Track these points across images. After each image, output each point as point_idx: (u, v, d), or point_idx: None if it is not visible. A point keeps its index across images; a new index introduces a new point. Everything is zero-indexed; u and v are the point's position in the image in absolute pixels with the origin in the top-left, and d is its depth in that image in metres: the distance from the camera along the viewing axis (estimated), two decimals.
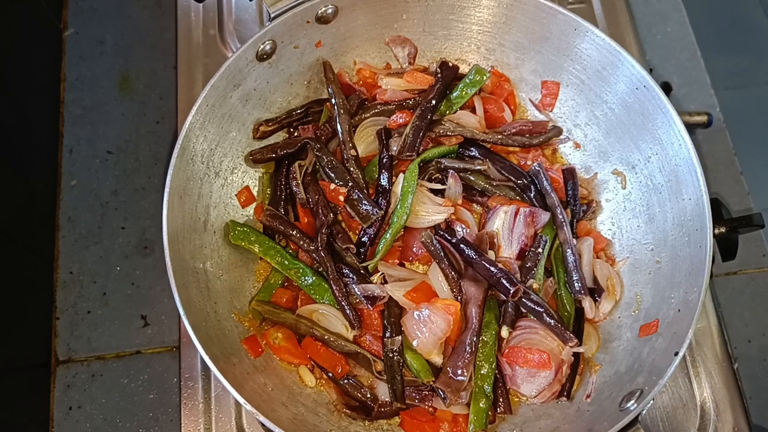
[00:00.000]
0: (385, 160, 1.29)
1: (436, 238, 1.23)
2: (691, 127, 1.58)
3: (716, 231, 1.28)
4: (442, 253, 1.22)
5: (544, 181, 1.30)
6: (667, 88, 1.63)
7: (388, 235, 1.23)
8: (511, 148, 1.38)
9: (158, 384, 1.35)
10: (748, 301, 1.50)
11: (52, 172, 1.49)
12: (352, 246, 1.24)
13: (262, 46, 1.24)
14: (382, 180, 1.28)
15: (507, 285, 1.18)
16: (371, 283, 1.22)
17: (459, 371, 1.16)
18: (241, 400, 1.05)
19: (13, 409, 1.28)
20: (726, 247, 1.31)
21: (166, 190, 1.14)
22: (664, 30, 1.71)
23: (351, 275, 1.22)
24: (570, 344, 1.19)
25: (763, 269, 1.53)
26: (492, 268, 1.20)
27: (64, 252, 1.44)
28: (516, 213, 1.27)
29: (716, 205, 1.29)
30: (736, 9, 2.22)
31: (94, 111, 1.55)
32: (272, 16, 1.23)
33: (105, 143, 1.52)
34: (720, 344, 1.38)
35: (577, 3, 1.65)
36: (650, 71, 1.64)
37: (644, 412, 1.08)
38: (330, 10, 1.28)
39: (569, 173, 1.36)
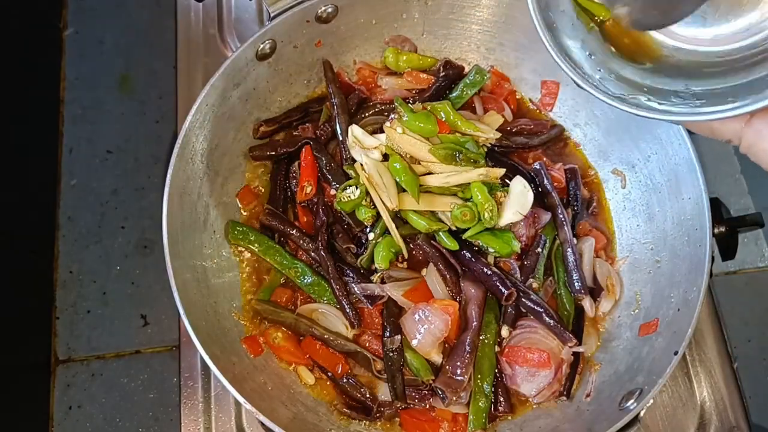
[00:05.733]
0: None
1: (432, 241, 1.23)
2: None
3: (716, 230, 1.28)
4: (438, 255, 1.22)
5: (545, 180, 1.30)
6: None
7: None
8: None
9: (158, 383, 1.35)
10: (748, 301, 1.50)
11: (51, 172, 1.49)
12: (352, 246, 1.24)
13: (261, 46, 1.24)
14: None
15: (501, 288, 1.18)
16: (371, 282, 1.22)
17: (459, 371, 1.16)
18: (241, 400, 1.05)
19: (13, 408, 1.29)
20: (726, 247, 1.31)
21: (166, 189, 1.14)
22: None
23: (351, 274, 1.22)
24: (569, 344, 1.19)
25: (762, 269, 1.53)
26: (487, 271, 1.20)
27: (64, 251, 1.44)
28: None
29: (716, 204, 1.29)
30: None
31: (93, 110, 1.55)
32: (272, 15, 1.23)
33: (105, 143, 1.53)
34: (720, 344, 1.38)
35: None
36: None
37: (644, 411, 1.08)
38: (330, 10, 1.28)
39: (572, 173, 1.35)
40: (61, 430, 1.32)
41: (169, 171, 1.16)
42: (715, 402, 1.33)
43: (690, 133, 1.20)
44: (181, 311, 1.08)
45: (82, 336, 1.38)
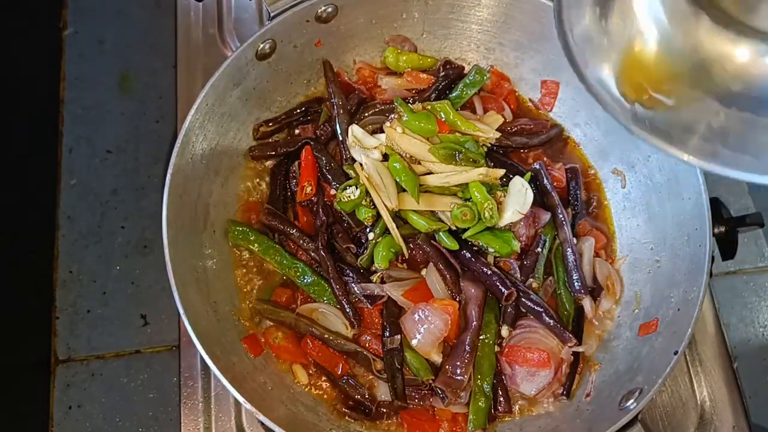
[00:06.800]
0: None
1: (432, 241, 1.23)
2: None
3: (716, 230, 1.28)
4: (438, 255, 1.21)
5: (545, 180, 1.30)
6: None
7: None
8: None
9: (158, 383, 1.35)
10: (747, 301, 1.50)
11: (51, 172, 1.49)
12: (352, 246, 1.24)
13: (261, 46, 1.24)
14: None
15: (501, 288, 1.18)
16: (371, 282, 1.22)
17: (458, 371, 1.16)
18: (241, 399, 1.05)
19: (13, 408, 1.29)
20: (726, 247, 1.31)
21: (166, 189, 1.14)
22: None
23: (351, 274, 1.22)
24: (569, 344, 1.19)
25: (762, 269, 1.53)
26: (487, 271, 1.20)
27: (64, 251, 1.44)
28: None
29: (716, 204, 1.29)
30: None
31: (93, 110, 1.55)
32: (272, 15, 1.23)
33: (104, 142, 1.52)
34: (720, 344, 1.38)
35: None
36: None
37: (643, 411, 1.08)
38: (330, 10, 1.28)
39: (572, 172, 1.35)
40: (61, 429, 1.31)
41: (169, 171, 1.15)
42: (715, 402, 1.33)
43: None
44: (181, 311, 1.08)
45: (82, 336, 1.38)
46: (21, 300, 1.34)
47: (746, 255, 1.50)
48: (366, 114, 1.34)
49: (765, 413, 1.37)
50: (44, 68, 1.57)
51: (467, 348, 1.17)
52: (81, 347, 1.37)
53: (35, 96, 1.53)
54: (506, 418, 1.20)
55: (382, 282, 1.22)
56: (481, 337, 1.19)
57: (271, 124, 1.35)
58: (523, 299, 1.21)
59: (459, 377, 1.15)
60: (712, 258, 1.15)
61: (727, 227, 1.28)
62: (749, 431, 1.32)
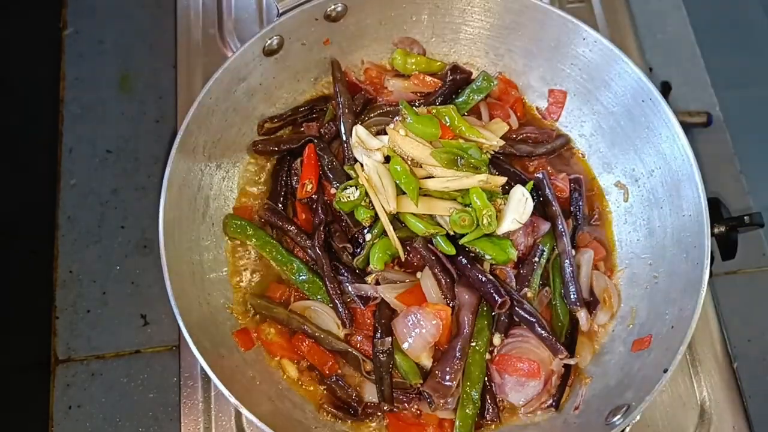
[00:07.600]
0: None
1: (429, 245, 1.22)
2: (690, 127, 1.57)
3: (716, 230, 1.28)
4: (434, 259, 1.21)
5: (547, 190, 1.29)
6: (666, 87, 1.63)
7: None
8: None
9: (158, 383, 1.35)
10: (748, 301, 1.50)
11: (51, 172, 1.49)
12: (348, 245, 1.24)
13: (269, 42, 1.24)
14: None
15: (495, 296, 1.18)
16: (365, 283, 1.22)
17: (447, 376, 1.15)
18: (226, 393, 1.04)
19: (13, 408, 1.29)
20: (726, 247, 1.31)
21: (165, 177, 1.15)
22: (664, 30, 1.71)
23: (346, 274, 1.22)
24: (559, 356, 1.18)
25: (762, 269, 1.53)
26: (482, 278, 1.19)
27: (64, 251, 1.44)
28: None
29: (716, 204, 1.29)
30: (736, 9, 2.22)
31: (93, 110, 1.55)
32: (281, 11, 1.23)
33: (104, 142, 1.52)
34: (720, 344, 1.38)
35: (576, 2, 1.64)
36: (650, 71, 1.65)
37: (628, 428, 1.07)
38: (339, 9, 1.28)
39: (576, 183, 1.34)
40: (61, 429, 1.31)
41: (170, 160, 1.15)
42: (715, 402, 1.33)
43: (690, 133, 1.19)
44: (172, 299, 1.08)
45: (81, 336, 1.38)
46: (21, 300, 1.34)
47: (746, 255, 1.50)
48: (371, 115, 1.34)
49: (765, 413, 1.37)
50: (44, 68, 1.57)
51: (458, 354, 1.16)
52: (81, 347, 1.37)
53: (35, 96, 1.53)
54: (492, 427, 1.19)
55: (377, 283, 1.22)
56: (472, 344, 1.18)
57: (276, 121, 1.35)
58: (516, 308, 1.21)
59: (447, 383, 1.15)
60: (712, 258, 1.14)
61: (727, 227, 1.28)
62: (749, 431, 1.32)
